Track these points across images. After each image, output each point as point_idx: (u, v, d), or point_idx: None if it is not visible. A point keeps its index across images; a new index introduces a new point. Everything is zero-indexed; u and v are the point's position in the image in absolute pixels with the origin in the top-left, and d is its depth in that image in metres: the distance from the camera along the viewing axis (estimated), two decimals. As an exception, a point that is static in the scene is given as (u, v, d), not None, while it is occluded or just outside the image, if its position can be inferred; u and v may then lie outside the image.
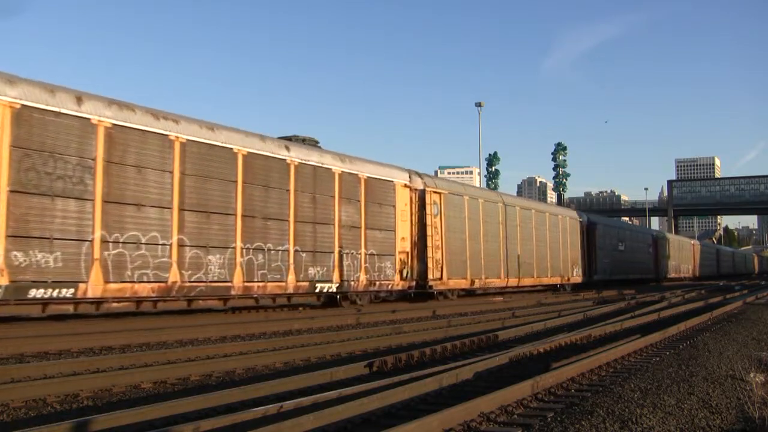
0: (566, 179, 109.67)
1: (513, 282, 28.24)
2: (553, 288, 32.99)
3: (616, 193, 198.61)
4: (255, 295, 16.45)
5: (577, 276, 34.76)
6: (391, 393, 6.38)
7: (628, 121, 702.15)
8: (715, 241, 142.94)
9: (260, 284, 16.25)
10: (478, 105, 51.80)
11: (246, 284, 15.83)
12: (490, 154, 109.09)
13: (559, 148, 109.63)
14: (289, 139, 18.98)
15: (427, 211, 22.01)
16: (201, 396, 6.36)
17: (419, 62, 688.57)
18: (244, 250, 15.81)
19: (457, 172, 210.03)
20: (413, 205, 21.78)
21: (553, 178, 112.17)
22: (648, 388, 7.00)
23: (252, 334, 12.72)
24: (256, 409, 5.77)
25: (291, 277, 17.09)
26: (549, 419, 5.74)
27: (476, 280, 25.17)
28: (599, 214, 54.49)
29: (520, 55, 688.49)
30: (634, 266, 46.18)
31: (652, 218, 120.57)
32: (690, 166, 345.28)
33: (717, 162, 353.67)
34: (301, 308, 18.61)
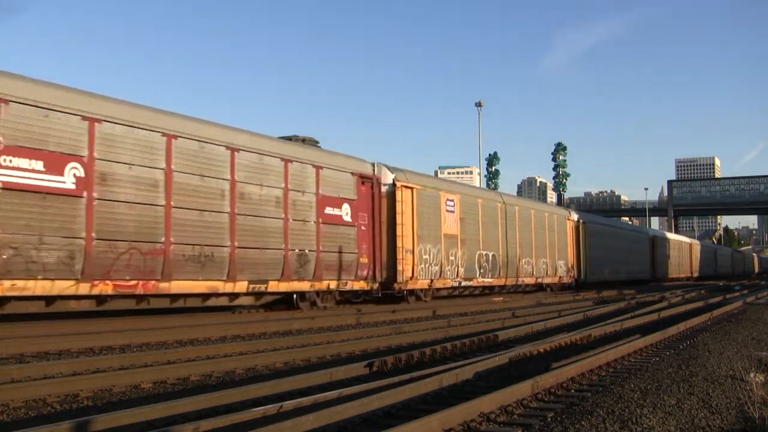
0: (566, 179, 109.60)
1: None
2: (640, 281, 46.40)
3: (616, 193, 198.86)
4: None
5: (647, 274, 49.79)
6: (391, 393, 6.37)
7: (628, 121, 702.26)
8: (715, 241, 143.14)
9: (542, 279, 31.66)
10: (478, 105, 51.79)
11: (535, 279, 30.81)
12: (490, 154, 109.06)
13: (559, 148, 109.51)
14: (289, 138, 18.99)
15: (580, 235, 36.15)
16: (201, 396, 6.35)
17: (419, 62, 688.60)
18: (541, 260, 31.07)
19: (457, 172, 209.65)
20: (572, 231, 35.39)
21: (553, 178, 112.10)
22: (648, 388, 7.00)
23: (252, 334, 12.71)
24: (256, 409, 5.76)
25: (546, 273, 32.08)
26: (549, 419, 5.75)
27: (617, 275, 40.81)
28: (599, 214, 61.03)
29: (519, 54, 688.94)
30: (674, 268, 57.35)
31: (652, 218, 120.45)
32: (690, 166, 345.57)
33: (717, 162, 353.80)
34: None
